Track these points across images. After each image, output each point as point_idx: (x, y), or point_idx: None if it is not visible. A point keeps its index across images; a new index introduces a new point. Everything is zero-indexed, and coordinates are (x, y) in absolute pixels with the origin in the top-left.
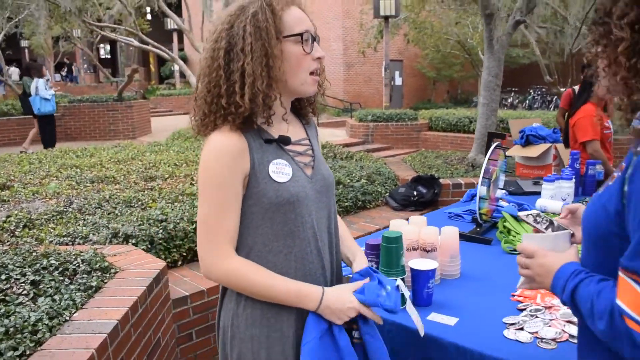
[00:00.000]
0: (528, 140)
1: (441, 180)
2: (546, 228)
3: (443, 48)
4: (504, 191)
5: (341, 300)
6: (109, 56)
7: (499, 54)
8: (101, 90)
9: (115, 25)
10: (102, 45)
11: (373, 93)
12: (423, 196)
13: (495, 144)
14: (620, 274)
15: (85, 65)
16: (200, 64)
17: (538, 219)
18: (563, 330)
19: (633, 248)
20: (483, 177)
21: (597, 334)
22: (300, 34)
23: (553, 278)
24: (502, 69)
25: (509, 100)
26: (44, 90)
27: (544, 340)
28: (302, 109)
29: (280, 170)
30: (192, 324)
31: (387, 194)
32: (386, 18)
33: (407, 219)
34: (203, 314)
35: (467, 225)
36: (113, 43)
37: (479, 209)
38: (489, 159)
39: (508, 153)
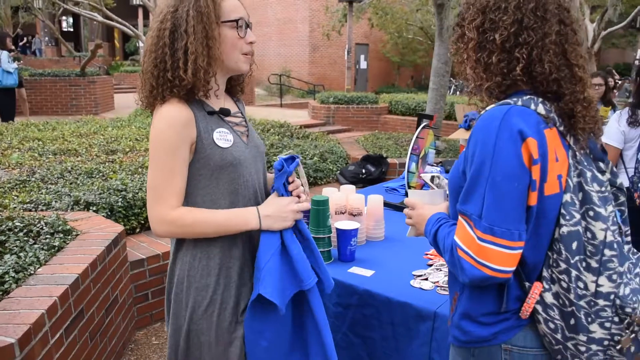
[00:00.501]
0: (471, 125)
1: (389, 160)
2: (437, 186)
3: (405, 34)
4: (438, 168)
5: (273, 204)
6: (72, 29)
7: (449, 42)
8: (63, 64)
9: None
10: (64, 17)
11: (338, 76)
12: (371, 174)
13: (424, 124)
14: (459, 216)
15: (47, 38)
16: (147, 42)
17: (434, 179)
18: None
19: (462, 195)
20: (411, 154)
21: (447, 265)
22: (236, 20)
23: (425, 224)
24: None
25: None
26: (7, 63)
27: (442, 288)
28: (232, 87)
29: (223, 137)
30: (149, 285)
31: (338, 171)
32: (350, 2)
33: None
34: (159, 276)
35: (400, 197)
36: (76, 16)
37: (408, 182)
38: (416, 137)
39: (453, 136)
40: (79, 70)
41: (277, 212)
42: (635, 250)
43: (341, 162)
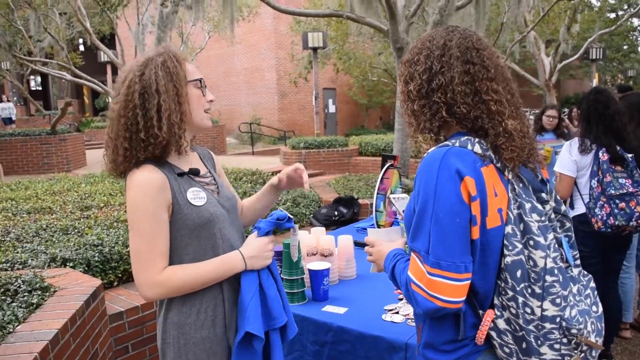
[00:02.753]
0: None
1: (360, 201)
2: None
3: (370, 76)
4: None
5: (254, 246)
6: (40, 88)
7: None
8: (33, 123)
9: (47, 60)
10: (32, 77)
11: (307, 121)
12: (344, 215)
13: (388, 164)
14: (411, 252)
15: (15, 98)
16: (113, 109)
17: (401, 201)
18: None
19: (411, 233)
20: (378, 193)
21: (404, 298)
22: (199, 79)
23: (384, 260)
24: None
25: None
26: None
27: (412, 320)
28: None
29: (196, 196)
30: (128, 337)
31: (311, 215)
32: (314, 49)
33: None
34: (138, 328)
35: None
36: (44, 75)
37: (377, 221)
38: (382, 177)
39: None
40: (50, 128)
41: (259, 252)
42: (585, 273)
43: (314, 206)
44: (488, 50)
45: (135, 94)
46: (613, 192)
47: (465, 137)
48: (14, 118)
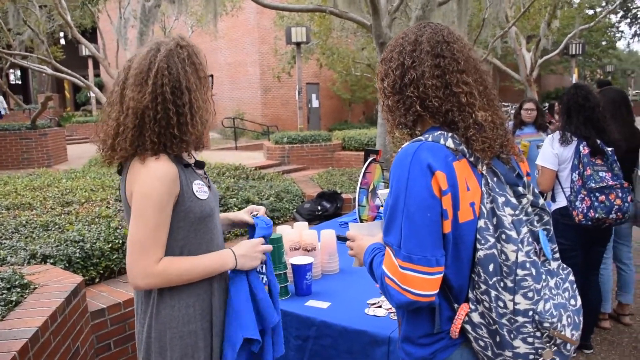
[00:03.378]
0: None
1: (343, 195)
2: None
3: (354, 71)
4: None
5: (245, 245)
6: (20, 82)
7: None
8: (12, 118)
9: (27, 54)
10: (12, 70)
11: (291, 115)
12: (327, 210)
13: (371, 159)
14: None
15: None
16: (133, 97)
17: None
18: None
19: (384, 227)
20: (361, 188)
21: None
22: (211, 75)
23: (363, 254)
24: None
25: None
26: None
27: (395, 313)
28: None
29: (201, 190)
30: (110, 334)
31: (294, 210)
32: (298, 44)
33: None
34: (120, 325)
35: None
36: (24, 69)
37: (360, 215)
38: (364, 172)
39: None
40: (30, 123)
41: (249, 252)
42: (564, 266)
43: (297, 201)
44: (459, 42)
45: (165, 88)
46: (593, 185)
47: (439, 132)
48: (2, 113)
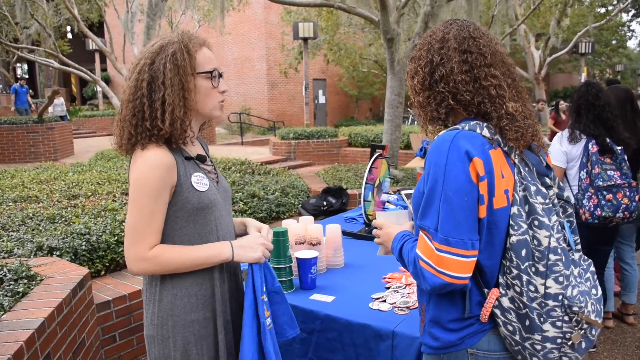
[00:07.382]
0: (426, 152)
1: (349, 191)
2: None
3: (361, 68)
4: (395, 196)
5: (245, 238)
6: (27, 76)
7: (401, 75)
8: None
9: (34, 47)
10: (19, 64)
11: (297, 111)
12: (332, 205)
13: (377, 154)
14: (419, 231)
15: (1, 86)
16: (125, 92)
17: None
18: (416, 300)
19: (420, 212)
20: (366, 183)
21: (412, 276)
22: (210, 72)
23: (392, 242)
24: (404, 88)
25: (414, 116)
26: None
27: (399, 308)
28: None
29: (200, 182)
30: (116, 326)
31: (300, 205)
32: (305, 40)
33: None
34: (126, 317)
35: (359, 226)
36: (31, 62)
37: (365, 211)
38: (370, 167)
39: (410, 164)
40: (37, 117)
41: (248, 243)
42: (585, 257)
43: (302, 196)
44: (485, 37)
45: (143, 83)
46: (601, 183)
47: (474, 122)
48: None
